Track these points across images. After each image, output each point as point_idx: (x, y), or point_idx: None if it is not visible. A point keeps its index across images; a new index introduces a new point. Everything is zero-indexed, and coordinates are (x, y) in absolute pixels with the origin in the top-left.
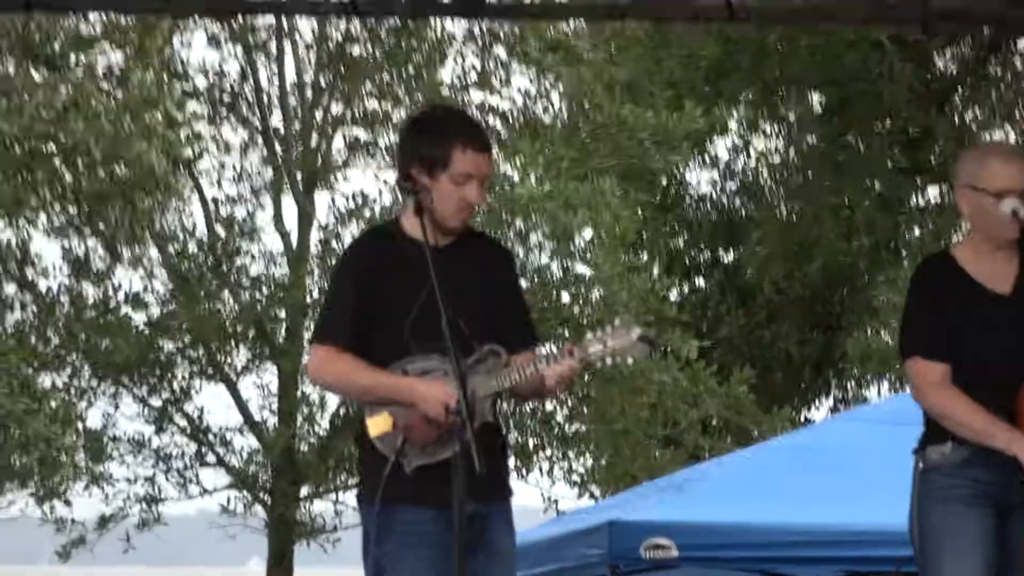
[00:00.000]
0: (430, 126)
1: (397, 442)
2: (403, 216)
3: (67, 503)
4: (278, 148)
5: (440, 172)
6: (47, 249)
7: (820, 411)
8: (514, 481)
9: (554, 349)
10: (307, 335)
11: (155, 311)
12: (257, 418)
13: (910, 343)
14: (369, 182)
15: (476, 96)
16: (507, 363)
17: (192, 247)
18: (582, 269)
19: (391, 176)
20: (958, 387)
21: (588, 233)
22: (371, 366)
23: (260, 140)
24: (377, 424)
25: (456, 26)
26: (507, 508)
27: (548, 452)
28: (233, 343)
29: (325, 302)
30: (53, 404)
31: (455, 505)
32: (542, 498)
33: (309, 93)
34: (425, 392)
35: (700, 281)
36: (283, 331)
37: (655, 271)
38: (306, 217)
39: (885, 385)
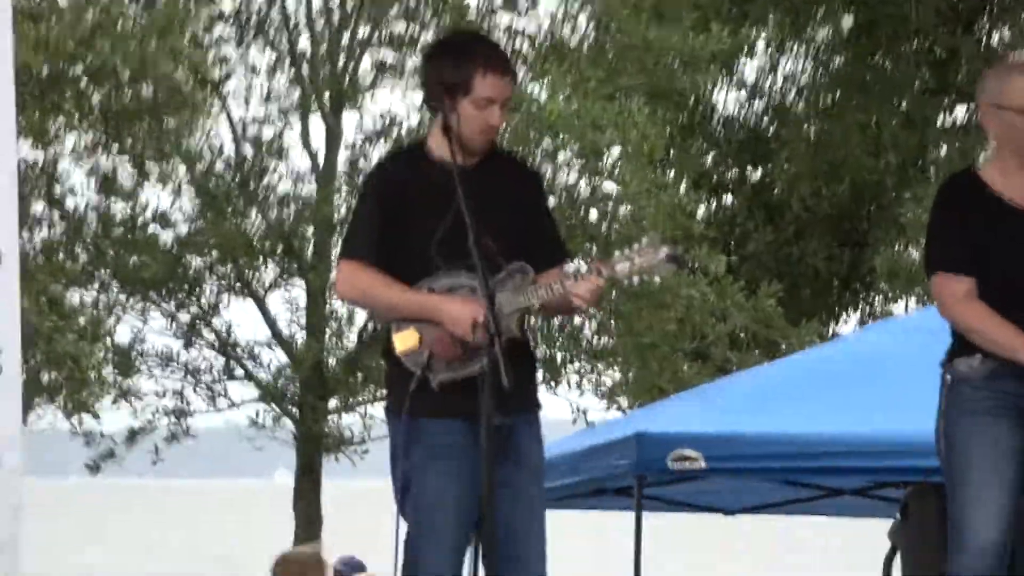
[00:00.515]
0: (452, 50)
1: (423, 357)
2: (430, 137)
3: (96, 416)
4: (306, 70)
5: (462, 96)
6: (75, 170)
7: (848, 326)
8: (543, 394)
9: (582, 266)
10: (335, 252)
11: (183, 229)
12: (285, 333)
13: (934, 259)
14: (396, 102)
15: (503, 19)
16: (534, 280)
17: (220, 166)
18: (610, 186)
19: (418, 97)
20: (985, 303)
21: (616, 151)
22: (398, 283)
23: (288, 62)
24: (403, 340)
25: None
26: (535, 420)
27: (577, 366)
28: (261, 259)
29: (352, 220)
30: (82, 320)
31: (483, 419)
32: (571, 409)
33: (336, 17)
34: (452, 311)
35: (728, 198)
36: (311, 248)
37: (682, 188)
38: (334, 136)
39: (912, 300)
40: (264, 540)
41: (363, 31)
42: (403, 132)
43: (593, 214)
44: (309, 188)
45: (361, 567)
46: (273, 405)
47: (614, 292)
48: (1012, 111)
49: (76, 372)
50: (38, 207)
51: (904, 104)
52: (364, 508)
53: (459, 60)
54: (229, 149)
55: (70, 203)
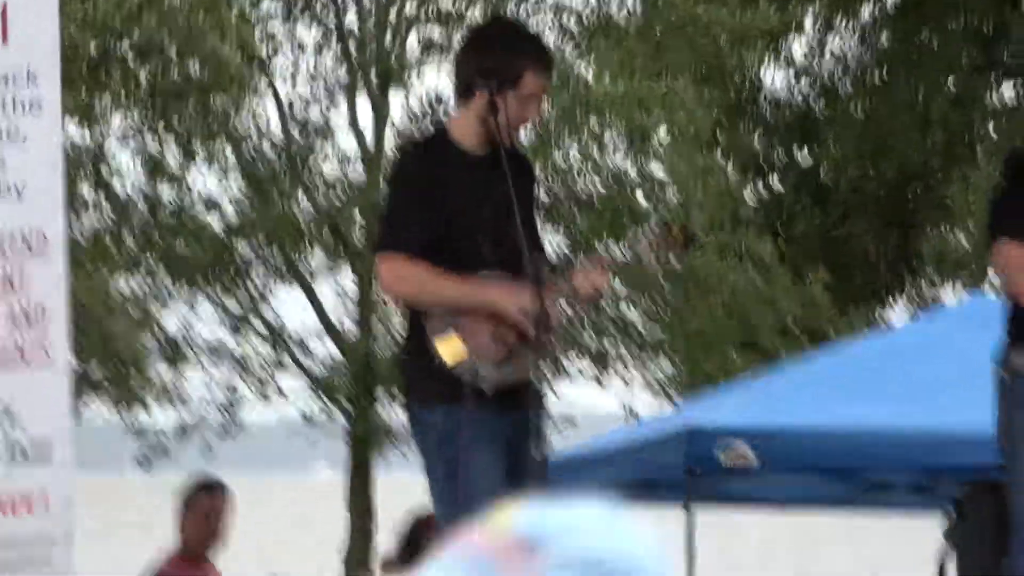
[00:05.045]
0: (500, 43)
1: (474, 365)
2: (454, 124)
3: (144, 406)
4: (352, 47)
5: (508, 89)
6: (121, 152)
7: (895, 311)
8: (594, 389)
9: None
10: None
11: (229, 211)
12: (335, 320)
13: (998, 226)
14: (443, 81)
15: None
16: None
17: (266, 147)
18: (657, 169)
19: None
20: None
21: (663, 132)
22: (448, 274)
23: (334, 39)
24: (451, 351)
25: None
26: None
27: (627, 358)
28: (308, 244)
29: (388, 210)
30: (132, 313)
31: (531, 413)
32: (622, 407)
33: None
34: (510, 296)
35: (775, 180)
36: (358, 232)
37: (730, 171)
38: (381, 117)
39: (959, 285)
40: (318, 534)
41: (410, 7)
42: (450, 111)
43: (640, 197)
44: (357, 170)
45: None
46: (324, 398)
47: (663, 281)
48: None
49: (127, 360)
50: (85, 190)
51: (951, 82)
52: (415, 501)
53: (508, 53)
54: (276, 129)
55: (117, 185)
